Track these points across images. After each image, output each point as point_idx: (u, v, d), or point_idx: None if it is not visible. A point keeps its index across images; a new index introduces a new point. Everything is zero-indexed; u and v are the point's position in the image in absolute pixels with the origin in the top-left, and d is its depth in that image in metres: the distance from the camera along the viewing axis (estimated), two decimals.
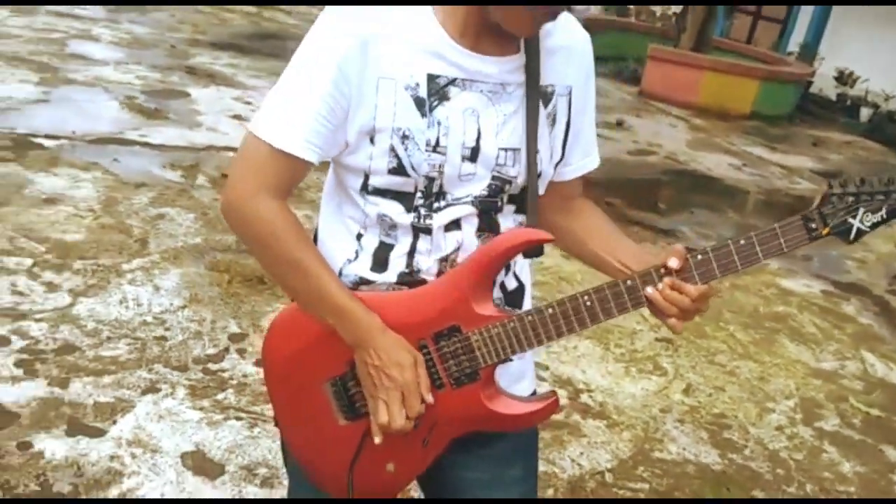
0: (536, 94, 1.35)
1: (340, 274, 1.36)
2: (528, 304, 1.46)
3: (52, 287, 3.12)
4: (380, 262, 1.34)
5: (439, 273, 1.34)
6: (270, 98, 1.24)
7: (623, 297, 1.33)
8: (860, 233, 1.34)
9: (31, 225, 3.58)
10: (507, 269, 1.42)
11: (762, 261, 1.33)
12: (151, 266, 3.42)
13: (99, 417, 2.47)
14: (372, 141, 1.24)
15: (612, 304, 1.34)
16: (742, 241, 1.32)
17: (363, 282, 1.35)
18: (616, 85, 9.49)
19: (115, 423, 2.45)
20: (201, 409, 2.58)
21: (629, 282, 1.34)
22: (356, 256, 1.34)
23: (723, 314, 4.05)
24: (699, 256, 1.31)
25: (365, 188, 1.30)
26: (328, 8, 1.24)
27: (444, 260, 1.33)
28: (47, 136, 4.65)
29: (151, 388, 2.64)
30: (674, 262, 1.29)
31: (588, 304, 1.33)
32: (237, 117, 5.69)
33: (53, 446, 2.31)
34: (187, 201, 4.12)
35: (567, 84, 1.39)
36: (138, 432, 2.43)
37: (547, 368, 3.27)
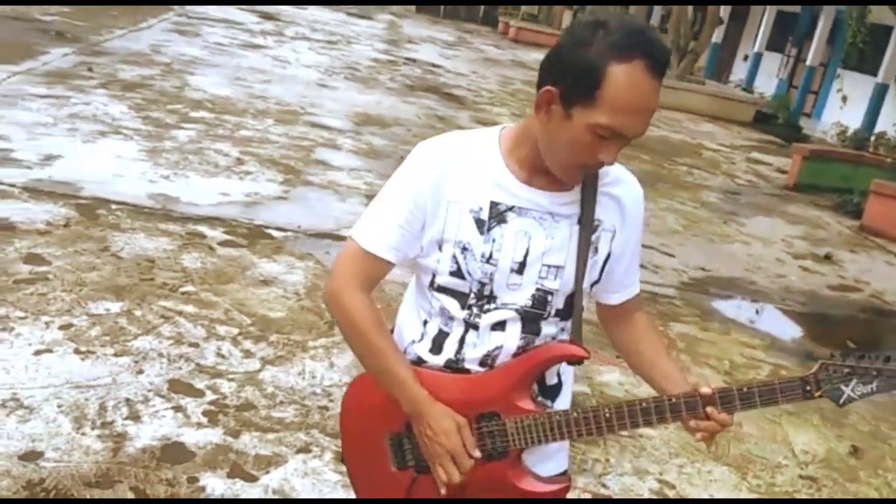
0: (587, 226, 1.65)
1: (406, 351, 1.72)
2: (564, 400, 1.75)
3: (247, 354, 3.72)
4: (437, 346, 1.69)
5: (481, 364, 1.66)
6: (368, 211, 1.65)
7: (637, 417, 1.61)
8: (850, 399, 1.58)
9: (246, 301, 4.26)
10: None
11: (759, 407, 1.60)
12: (332, 346, 3.95)
13: (256, 466, 2.95)
14: (440, 248, 1.60)
15: (626, 421, 1.61)
16: (745, 389, 1.58)
17: (420, 361, 1.71)
18: (836, 218, 9.18)
19: (267, 472, 2.92)
20: (341, 473, 2.98)
21: (644, 404, 1.61)
22: (420, 338, 1.70)
23: (884, 460, 3.90)
24: (724, 393, 1.59)
25: (432, 285, 1.66)
26: (420, 144, 1.64)
27: (486, 355, 1.66)
28: (277, 229, 5.45)
29: (304, 449, 3.10)
30: (706, 390, 1.59)
31: (607, 416, 1.61)
32: None
33: (214, 483, 2.80)
34: (376, 293, 4.66)
35: (613, 225, 1.69)
36: (283, 483, 2.88)
37: (674, 488, 3.37)
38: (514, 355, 1.65)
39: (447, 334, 1.68)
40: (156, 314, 3.95)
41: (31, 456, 2.84)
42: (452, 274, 1.62)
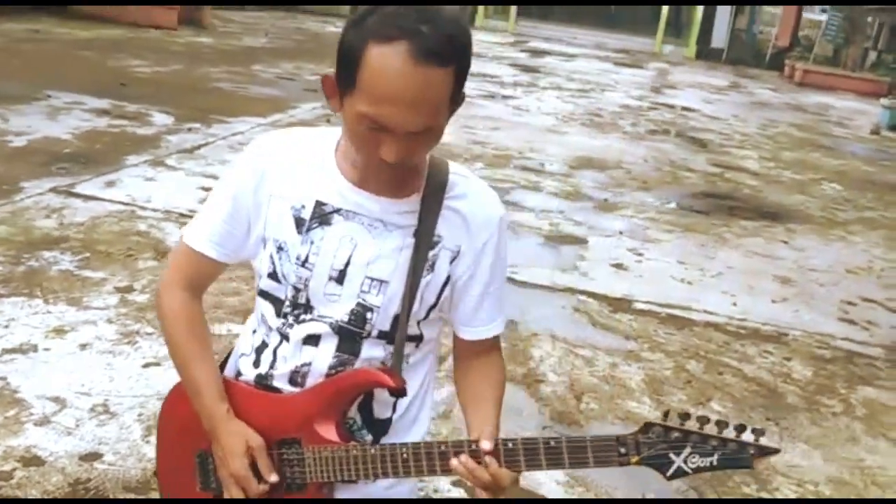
0: (424, 240, 1.47)
1: (235, 365, 1.62)
2: (398, 438, 1.54)
3: None
4: (257, 359, 1.58)
5: (291, 381, 1.52)
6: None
7: (434, 461, 1.40)
8: (680, 472, 1.29)
9: None
10: (379, 397, 1.52)
11: (567, 467, 1.35)
12: None
13: None
14: (265, 247, 1.50)
15: (423, 463, 1.41)
16: (552, 443, 1.34)
17: (238, 374, 1.60)
18: None
19: None
20: None
21: (443, 447, 1.40)
22: (250, 350, 1.60)
23: None
24: (510, 444, 1.36)
25: (257, 289, 1.56)
26: (255, 140, 1.55)
27: (295, 371, 1.51)
28: None
29: None
30: (486, 445, 1.37)
31: (404, 456, 1.42)
32: (618, 266, 5.91)
33: None
34: None
35: (456, 244, 1.50)
36: None
37: None
38: (327, 376, 1.49)
39: (266, 346, 1.56)
40: None
41: (91, 457, 3.04)
42: (270, 276, 1.51)
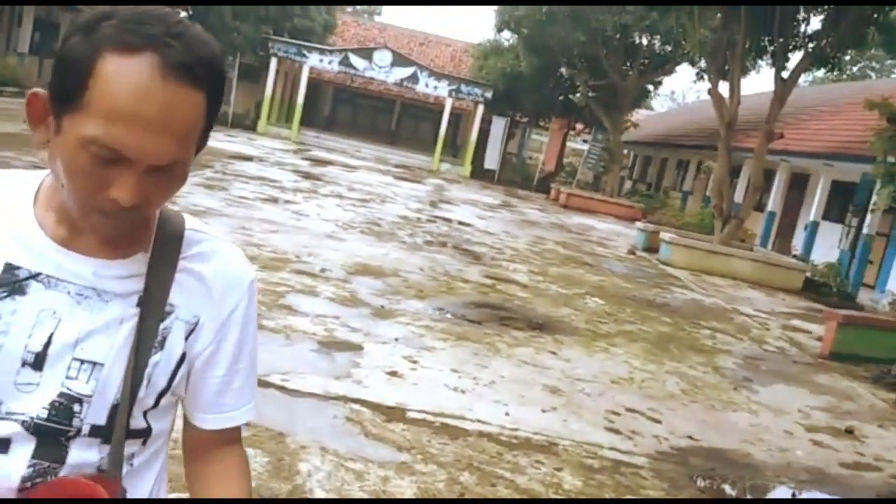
0: (153, 311, 1.17)
1: None
2: None
3: None
4: None
5: None
6: None
7: None
8: None
9: None
10: None
11: None
12: None
13: None
14: None
15: None
16: None
17: None
18: (871, 390, 8.25)
19: None
20: None
21: None
22: None
23: None
24: None
25: None
26: None
27: None
28: None
29: None
30: None
31: None
32: (393, 373, 5.73)
33: None
34: None
35: (195, 315, 1.20)
36: None
37: None
38: (20, 492, 1.13)
39: None
40: None
41: None
42: None
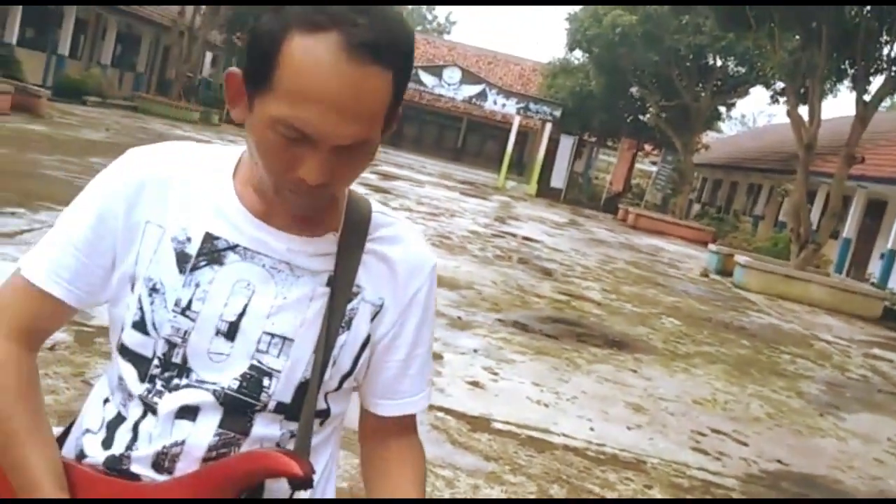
0: (341, 290, 1.17)
1: (77, 446, 1.21)
2: None
3: None
4: (109, 437, 1.19)
5: (155, 466, 1.14)
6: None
7: None
8: None
9: None
10: (271, 489, 1.18)
11: None
12: None
13: None
14: (132, 288, 1.14)
15: None
16: None
17: (82, 455, 1.20)
18: None
19: None
20: None
21: None
22: (99, 427, 1.20)
23: None
24: None
25: (117, 345, 1.19)
26: (130, 150, 1.21)
27: (162, 453, 1.14)
28: None
29: None
30: None
31: None
32: (474, 384, 5.69)
33: None
34: None
35: (380, 297, 1.19)
36: None
37: None
38: (204, 460, 1.13)
39: (122, 419, 1.17)
40: None
41: None
42: (135, 326, 1.14)
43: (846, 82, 18.01)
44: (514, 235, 15.34)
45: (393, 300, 1.20)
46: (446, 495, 3.91)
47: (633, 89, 28.56)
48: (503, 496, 4.02)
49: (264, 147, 1.03)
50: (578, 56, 30.47)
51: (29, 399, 1.16)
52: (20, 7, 21.90)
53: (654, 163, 32.68)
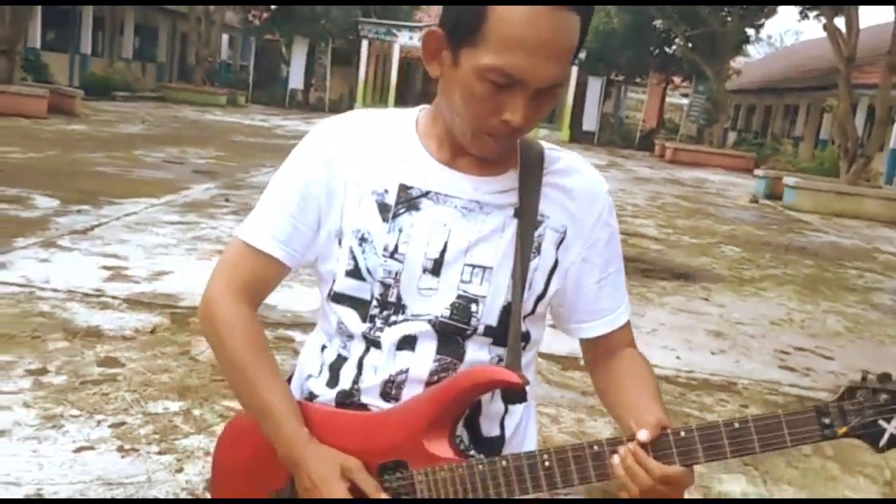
0: (528, 219, 1.25)
1: (301, 389, 1.33)
2: None
3: None
4: (333, 377, 1.30)
5: (383, 395, 1.24)
6: (257, 205, 1.30)
7: (586, 464, 1.13)
8: (893, 441, 1.05)
9: None
10: (487, 412, 1.27)
11: (758, 452, 1.09)
12: None
13: None
14: (340, 243, 1.25)
15: (571, 469, 1.14)
16: (736, 425, 1.10)
17: (312, 396, 1.31)
18: None
19: None
20: None
21: (596, 447, 1.14)
22: (319, 371, 1.32)
23: None
24: (682, 434, 1.11)
25: (330, 294, 1.29)
26: (320, 122, 1.30)
27: (389, 381, 1.24)
28: None
29: None
30: (644, 435, 1.11)
31: (546, 464, 1.15)
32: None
33: None
34: None
35: (562, 224, 1.28)
36: None
37: None
38: (427, 385, 1.22)
39: (345, 359, 1.28)
40: (215, 413, 3.68)
41: None
42: (349, 274, 1.24)
43: None
44: None
45: (575, 227, 1.28)
46: (553, 431, 4.01)
47: (657, 22, 28.09)
48: (609, 427, 4.11)
49: (470, 95, 1.13)
50: None
51: (263, 351, 1.27)
52: (39, 10, 22.10)
53: (684, 95, 32.27)
